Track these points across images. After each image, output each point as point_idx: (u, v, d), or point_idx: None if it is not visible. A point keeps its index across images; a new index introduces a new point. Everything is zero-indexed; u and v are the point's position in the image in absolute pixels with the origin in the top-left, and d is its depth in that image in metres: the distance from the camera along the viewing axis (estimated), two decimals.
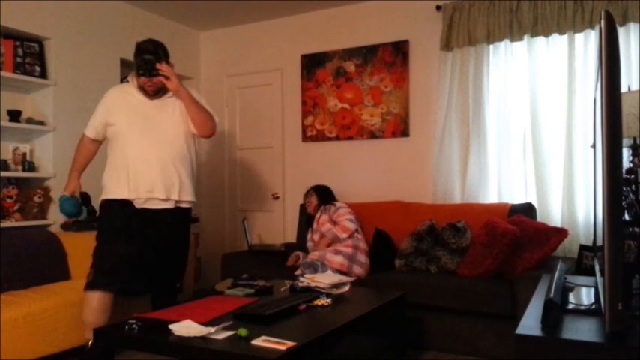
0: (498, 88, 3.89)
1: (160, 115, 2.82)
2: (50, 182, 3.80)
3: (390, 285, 3.21)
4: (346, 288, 2.81)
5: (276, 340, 1.85)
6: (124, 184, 2.76)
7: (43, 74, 3.80)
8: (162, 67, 2.74)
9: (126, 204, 2.78)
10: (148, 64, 2.74)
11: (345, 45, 4.52)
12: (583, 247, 3.38)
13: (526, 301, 1.74)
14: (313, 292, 2.64)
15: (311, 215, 3.94)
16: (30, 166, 3.68)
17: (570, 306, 1.56)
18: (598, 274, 1.76)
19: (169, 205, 2.83)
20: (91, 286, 2.70)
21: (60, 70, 3.88)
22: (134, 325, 2.07)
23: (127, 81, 2.93)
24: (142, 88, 2.80)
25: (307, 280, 2.78)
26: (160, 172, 2.77)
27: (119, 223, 2.77)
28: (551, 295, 1.44)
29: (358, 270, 3.44)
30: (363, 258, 3.52)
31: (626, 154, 2.30)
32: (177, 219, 2.89)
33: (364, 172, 4.41)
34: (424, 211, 3.84)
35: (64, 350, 2.98)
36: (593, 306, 1.53)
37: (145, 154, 2.76)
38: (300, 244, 4.16)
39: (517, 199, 3.79)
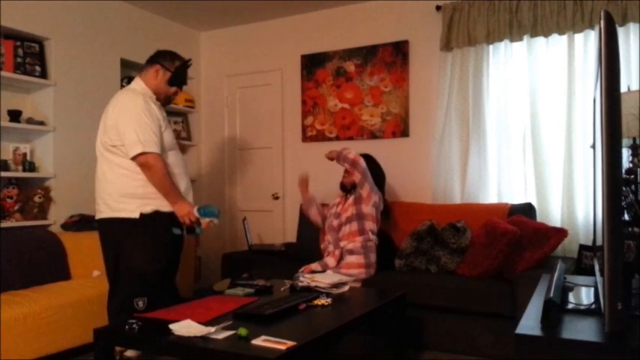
0: (498, 88, 3.89)
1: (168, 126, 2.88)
2: (50, 182, 3.79)
3: (390, 285, 3.21)
4: (346, 288, 2.81)
5: (276, 339, 1.85)
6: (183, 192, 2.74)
7: (44, 74, 3.80)
8: None
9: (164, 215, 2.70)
10: (186, 76, 2.89)
11: (345, 45, 4.52)
12: (583, 247, 3.38)
13: (526, 301, 1.74)
14: (313, 292, 2.64)
15: (345, 186, 3.60)
16: (30, 166, 3.68)
17: (570, 306, 1.56)
18: (598, 274, 1.76)
19: None
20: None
21: (60, 70, 3.88)
22: (134, 325, 2.06)
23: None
24: (164, 97, 2.84)
25: (307, 280, 2.78)
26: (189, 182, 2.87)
27: (167, 240, 2.70)
28: (551, 295, 1.44)
29: (372, 271, 3.43)
30: (372, 258, 3.46)
31: (626, 154, 2.30)
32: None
33: None
34: (424, 211, 3.84)
35: (64, 350, 2.98)
36: (593, 306, 1.53)
37: (180, 165, 2.84)
38: (300, 244, 4.16)
39: (517, 199, 3.79)
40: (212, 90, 5.21)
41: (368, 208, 3.45)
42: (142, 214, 2.60)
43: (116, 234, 2.64)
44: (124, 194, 2.61)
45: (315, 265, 3.40)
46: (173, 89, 2.83)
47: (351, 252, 3.38)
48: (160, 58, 2.83)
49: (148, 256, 2.61)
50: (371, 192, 3.45)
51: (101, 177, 2.69)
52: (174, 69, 2.80)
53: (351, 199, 3.50)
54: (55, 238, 3.49)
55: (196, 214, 2.70)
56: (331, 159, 3.55)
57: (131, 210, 2.60)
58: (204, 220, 2.73)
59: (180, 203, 2.67)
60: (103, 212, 2.67)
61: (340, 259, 3.40)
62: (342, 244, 3.42)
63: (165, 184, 2.62)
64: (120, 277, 2.65)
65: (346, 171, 3.55)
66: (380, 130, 4.35)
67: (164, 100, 2.85)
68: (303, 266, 3.41)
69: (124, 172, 2.62)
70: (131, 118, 2.58)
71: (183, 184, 2.79)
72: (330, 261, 3.39)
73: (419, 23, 4.22)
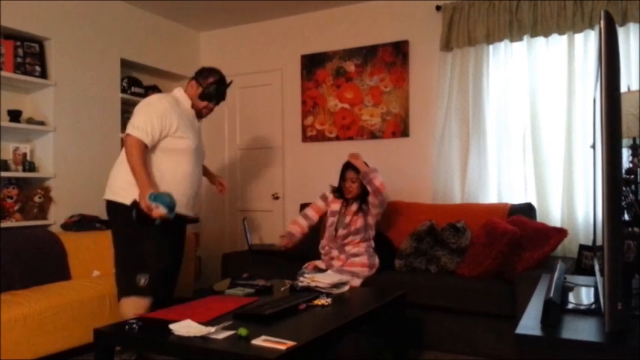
0: (498, 88, 3.89)
1: (200, 137, 3.04)
2: (50, 182, 3.80)
3: (390, 285, 3.21)
4: (346, 288, 2.81)
5: (276, 339, 1.85)
6: (182, 195, 2.81)
7: (44, 74, 3.80)
8: None
9: None
10: (224, 95, 3.04)
11: (345, 45, 4.52)
12: (583, 247, 3.38)
13: (526, 301, 1.74)
14: (313, 292, 2.64)
15: (345, 198, 3.57)
16: (30, 166, 3.68)
17: (570, 306, 1.56)
18: (598, 274, 1.76)
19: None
20: (146, 292, 2.63)
21: (60, 70, 3.88)
22: (134, 325, 2.06)
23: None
24: (195, 110, 2.97)
25: (307, 280, 2.78)
26: (196, 189, 2.97)
27: (165, 229, 2.74)
28: (551, 294, 1.44)
29: (374, 271, 3.45)
30: (376, 260, 3.49)
31: (626, 154, 2.30)
32: (184, 227, 3.08)
33: None
34: (424, 211, 3.84)
35: (64, 350, 2.98)
36: (593, 306, 1.53)
37: (197, 172, 2.97)
38: (301, 244, 4.14)
39: (517, 199, 3.79)
40: None
41: (373, 219, 3.52)
42: (134, 201, 2.64)
43: (111, 216, 2.81)
44: (127, 181, 2.70)
45: (319, 262, 3.46)
46: (203, 103, 2.97)
47: (356, 255, 3.43)
48: (199, 73, 3.00)
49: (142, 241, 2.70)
50: (380, 213, 3.51)
51: (120, 159, 2.83)
52: (205, 85, 2.94)
53: (354, 206, 3.49)
54: (55, 238, 3.49)
55: (148, 199, 2.56)
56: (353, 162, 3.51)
57: (124, 196, 2.70)
58: (156, 209, 2.56)
59: (143, 188, 2.61)
60: (107, 194, 2.82)
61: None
62: (347, 248, 3.45)
63: (134, 167, 2.66)
64: (121, 258, 2.76)
65: (360, 183, 3.48)
66: (380, 130, 4.35)
67: (196, 113, 3.00)
68: (307, 263, 3.45)
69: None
70: (146, 108, 2.76)
71: (185, 190, 2.87)
72: (336, 263, 3.43)
73: (419, 23, 4.22)
